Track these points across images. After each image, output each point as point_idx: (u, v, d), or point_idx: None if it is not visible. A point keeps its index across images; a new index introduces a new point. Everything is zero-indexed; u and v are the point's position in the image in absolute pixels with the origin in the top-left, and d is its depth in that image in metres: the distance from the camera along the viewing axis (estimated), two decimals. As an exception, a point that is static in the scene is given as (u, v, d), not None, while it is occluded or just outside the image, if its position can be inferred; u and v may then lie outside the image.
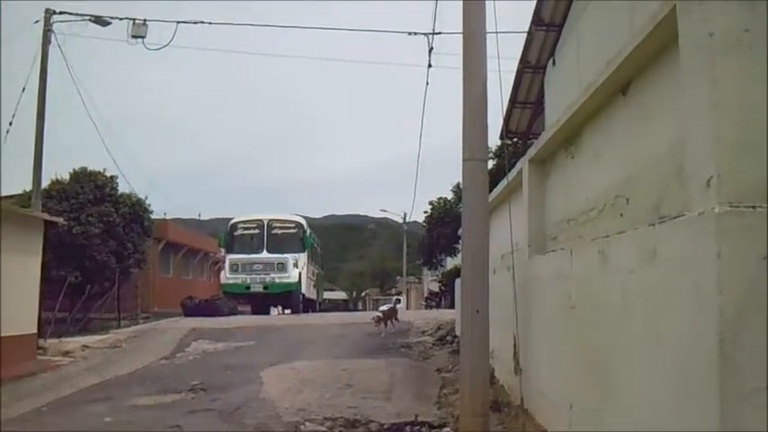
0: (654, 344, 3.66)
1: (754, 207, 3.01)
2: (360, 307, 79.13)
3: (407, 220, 64.39)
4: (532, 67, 17.79)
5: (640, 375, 3.87)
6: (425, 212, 38.29)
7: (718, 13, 3.31)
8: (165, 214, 40.91)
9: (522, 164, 7.85)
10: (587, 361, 4.90)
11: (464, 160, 7.03)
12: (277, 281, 30.28)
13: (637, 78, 4.71)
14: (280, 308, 32.35)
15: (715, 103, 3.23)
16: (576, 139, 6.16)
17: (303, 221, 34.75)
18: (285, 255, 30.84)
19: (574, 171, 6.28)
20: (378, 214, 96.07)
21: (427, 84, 19.97)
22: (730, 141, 3.17)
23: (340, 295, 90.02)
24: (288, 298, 31.01)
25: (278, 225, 32.71)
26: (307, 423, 8.56)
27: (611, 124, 5.28)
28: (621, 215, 4.90)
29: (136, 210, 27.55)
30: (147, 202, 28.76)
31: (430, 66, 20.45)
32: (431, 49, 20.07)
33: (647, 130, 4.51)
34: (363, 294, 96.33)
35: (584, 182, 5.90)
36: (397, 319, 17.75)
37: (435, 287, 46.48)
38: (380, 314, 17.47)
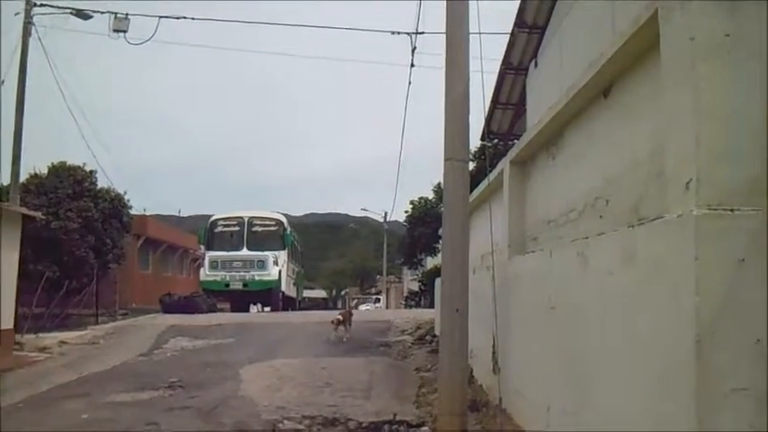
0: (632, 345, 3.69)
1: (732, 210, 3.04)
2: (339, 306, 79.09)
3: (388, 219, 64.40)
4: (515, 69, 17.82)
5: (618, 376, 3.90)
6: (406, 212, 38.40)
7: (699, 17, 3.33)
8: (144, 210, 40.82)
9: (503, 165, 7.87)
10: (566, 361, 4.93)
11: (445, 160, 7.05)
12: (257, 278, 30.31)
13: (618, 81, 4.73)
14: (259, 305, 32.31)
15: (695, 107, 3.25)
16: (557, 141, 6.18)
17: (283, 219, 34.74)
18: (265, 252, 30.86)
19: (554, 172, 6.30)
20: (359, 213, 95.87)
21: (410, 83, 19.97)
22: (710, 145, 3.19)
23: (320, 294, 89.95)
24: (267, 296, 31.05)
25: (258, 223, 32.73)
26: (285, 421, 8.55)
27: (592, 126, 5.30)
28: (601, 217, 4.93)
29: (115, 205, 27.44)
30: (127, 197, 28.65)
31: (413, 65, 20.54)
32: (414, 49, 20.16)
33: (627, 132, 4.53)
34: (343, 293, 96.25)
35: (565, 183, 5.92)
36: (350, 325, 16.80)
37: (415, 287, 46.55)
38: (339, 317, 16.64)
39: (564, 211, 5.89)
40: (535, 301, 5.90)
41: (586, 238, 4.75)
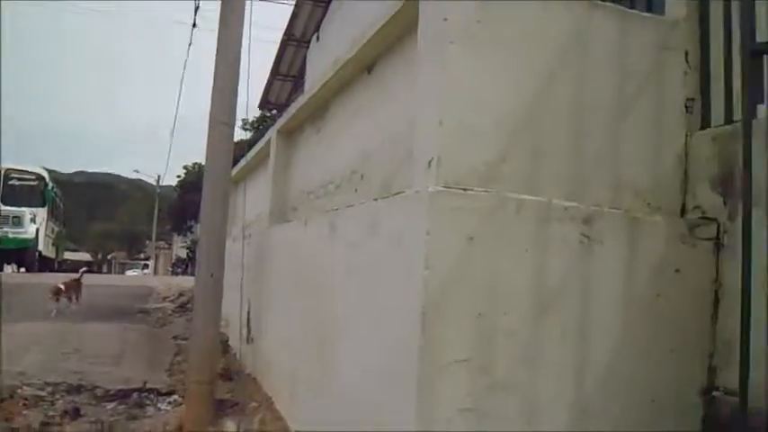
0: (370, 316, 3.77)
1: (465, 189, 3.16)
2: (105, 270, 76.07)
3: (162, 183, 62.30)
4: (297, 41, 17.80)
5: (356, 347, 3.97)
6: (179, 177, 37.51)
7: (454, 1, 3.44)
8: None
9: (272, 133, 7.82)
10: (312, 331, 4.97)
11: (210, 122, 6.85)
12: (11, 236, 28.29)
13: (382, 57, 4.80)
14: (14, 265, 30.17)
15: (442, 88, 3.35)
16: (322, 114, 6.20)
17: (45, 174, 32.61)
18: (22, 208, 28.85)
19: (318, 145, 6.32)
20: (132, 175, 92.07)
21: (190, 44, 19.35)
22: (453, 126, 3.31)
23: (84, 256, 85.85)
24: (22, 255, 29.05)
25: (16, 176, 30.47)
26: (25, 387, 8.04)
27: (355, 101, 5.35)
28: (356, 191, 5.00)
29: None
30: None
31: (195, 26, 19.89)
32: (197, 8, 19.54)
33: (386, 109, 4.61)
34: (110, 257, 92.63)
35: (327, 156, 5.96)
36: (78, 296, 14.46)
37: (184, 253, 45.75)
38: (61, 286, 14.14)
39: (324, 184, 5.93)
40: (288, 270, 5.92)
41: (337, 209, 4.81)
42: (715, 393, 3.77)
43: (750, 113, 3.21)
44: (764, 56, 3.29)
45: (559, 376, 3.37)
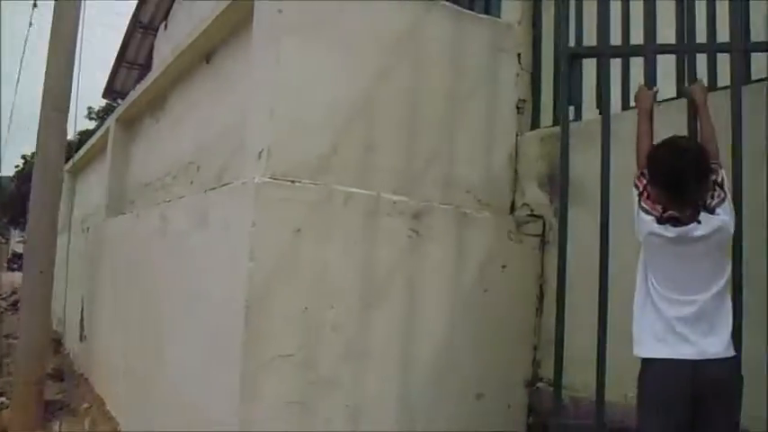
0: (196, 311, 3.68)
1: (293, 181, 3.13)
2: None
3: (-2, 174, 58.85)
4: (145, 28, 17.17)
5: (183, 343, 3.88)
6: (17, 167, 35.58)
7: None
8: None
9: (110, 123, 7.52)
10: (143, 328, 4.81)
11: (42, 109, 6.47)
12: None
13: (220, 48, 4.69)
14: None
15: (274, 80, 3.32)
16: (162, 103, 6.00)
17: None
18: None
19: (157, 135, 6.11)
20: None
21: (30, 24, 18.19)
22: (284, 118, 3.28)
23: None
24: None
25: None
26: None
27: (193, 91, 5.20)
28: (192, 182, 4.86)
29: None
30: None
31: (35, 5, 18.76)
32: (38, -15, 18.47)
33: (223, 99, 4.51)
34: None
35: (165, 147, 5.77)
36: None
37: (21, 248, 43.50)
38: None
39: (161, 175, 5.74)
40: (122, 264, 5.72)
41: (169, 201, 4.68)
42: (539, 385, 3.92)
43: (567, 115, 3.34)
44: (582, 59, 3.43)
45: (386, 371, 3.40)
